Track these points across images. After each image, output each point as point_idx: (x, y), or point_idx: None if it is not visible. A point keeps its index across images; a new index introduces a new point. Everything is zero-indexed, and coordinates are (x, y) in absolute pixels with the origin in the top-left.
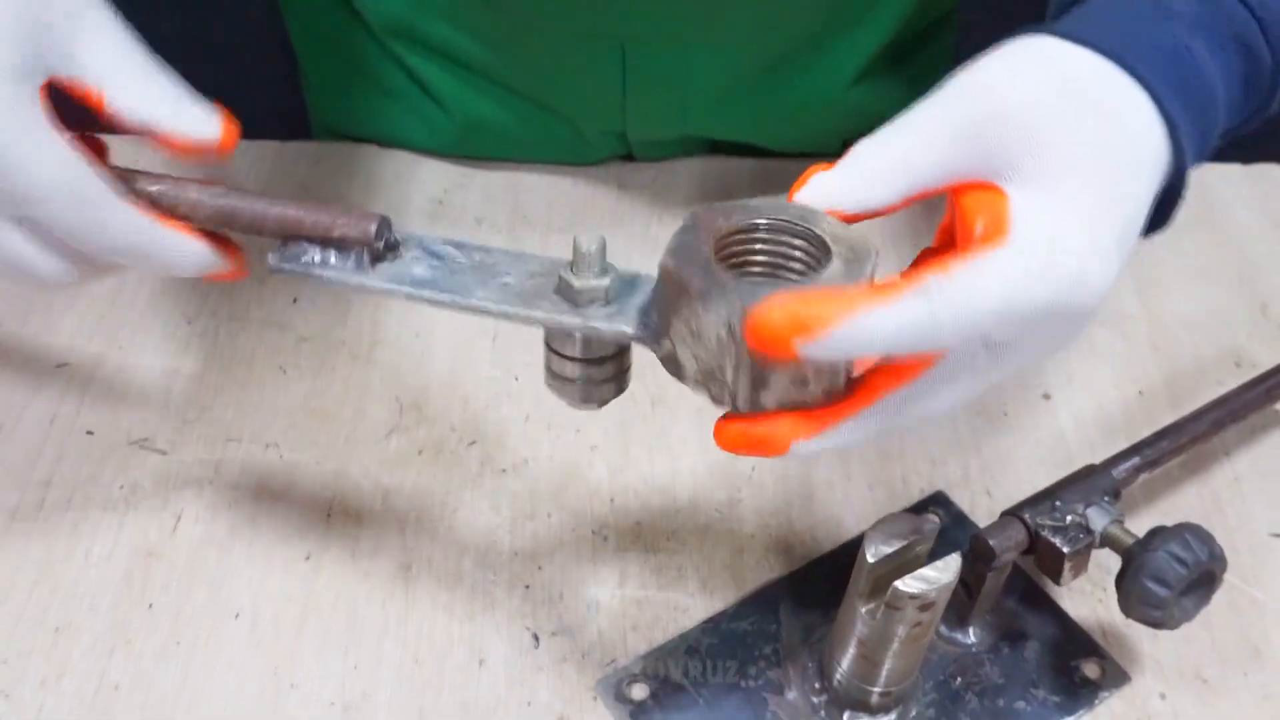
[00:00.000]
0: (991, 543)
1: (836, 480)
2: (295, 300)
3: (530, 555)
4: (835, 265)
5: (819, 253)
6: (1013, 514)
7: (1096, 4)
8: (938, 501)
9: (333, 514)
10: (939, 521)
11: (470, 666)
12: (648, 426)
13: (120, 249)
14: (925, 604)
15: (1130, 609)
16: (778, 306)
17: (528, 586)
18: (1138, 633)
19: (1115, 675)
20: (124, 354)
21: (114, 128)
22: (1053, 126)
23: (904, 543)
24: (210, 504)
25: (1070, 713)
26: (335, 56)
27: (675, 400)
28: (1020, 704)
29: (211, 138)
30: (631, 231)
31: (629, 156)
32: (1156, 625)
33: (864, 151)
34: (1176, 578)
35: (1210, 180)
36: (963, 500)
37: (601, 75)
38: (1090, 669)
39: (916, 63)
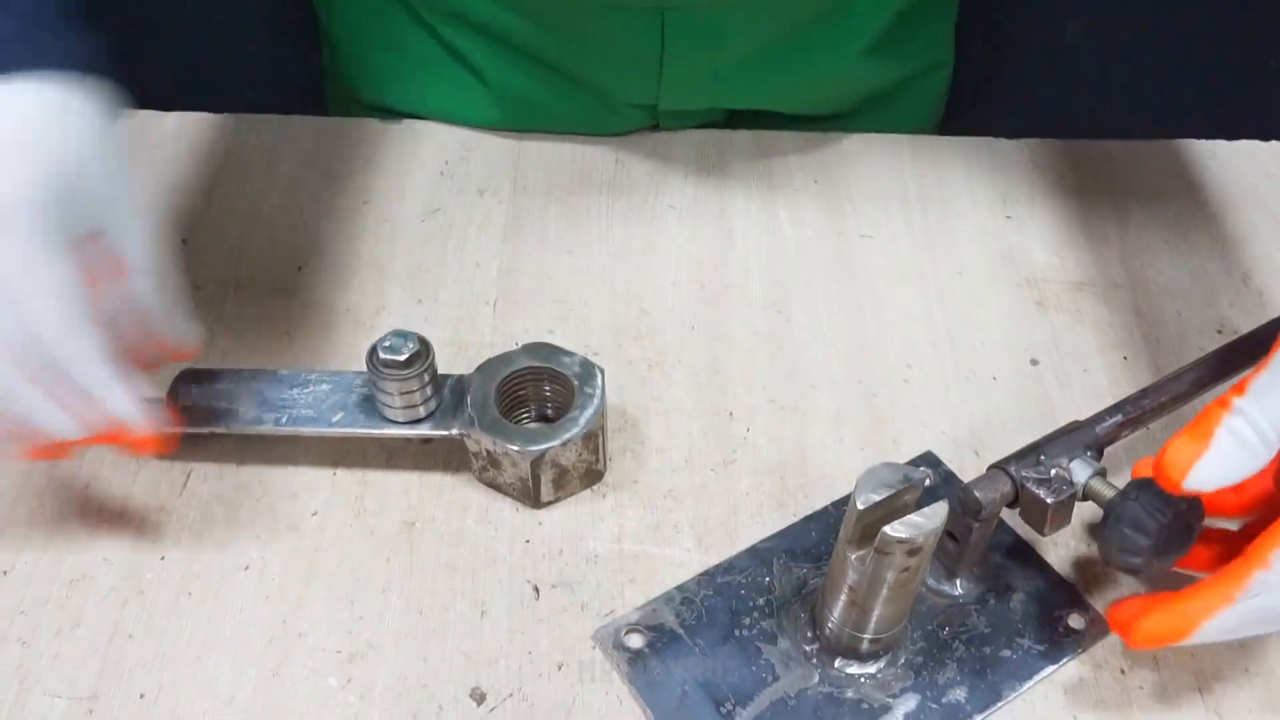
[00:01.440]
0: (978, 494)
1: (829, 442)
2: (300, 269)
3: (530, 513)
4: None
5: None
6: (999, 467)
7: None
8: (927, 461)
9: (338, 473)
10: (925, 474)
11: (472, 617)
12: (645, 390)
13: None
14: (913, 549)
15: (1110, 556)
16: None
17: (528, 541)
18: (1121, 585)
19: (1099, 626)
20: None
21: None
22: None
23: (892, 491)
24: (218, 462)
25: (1054, 661)
26: (366, 27)
27: (671, 365)
28: (1005, 653)
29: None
30: (630, 202)
31: (654, 128)
32: (1135, 572)
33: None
34: (1154, 526)
35: (1197, 155)
36: (951, 460)
37: (640, 45)
38: (1075, 620)
39: (924, 31)
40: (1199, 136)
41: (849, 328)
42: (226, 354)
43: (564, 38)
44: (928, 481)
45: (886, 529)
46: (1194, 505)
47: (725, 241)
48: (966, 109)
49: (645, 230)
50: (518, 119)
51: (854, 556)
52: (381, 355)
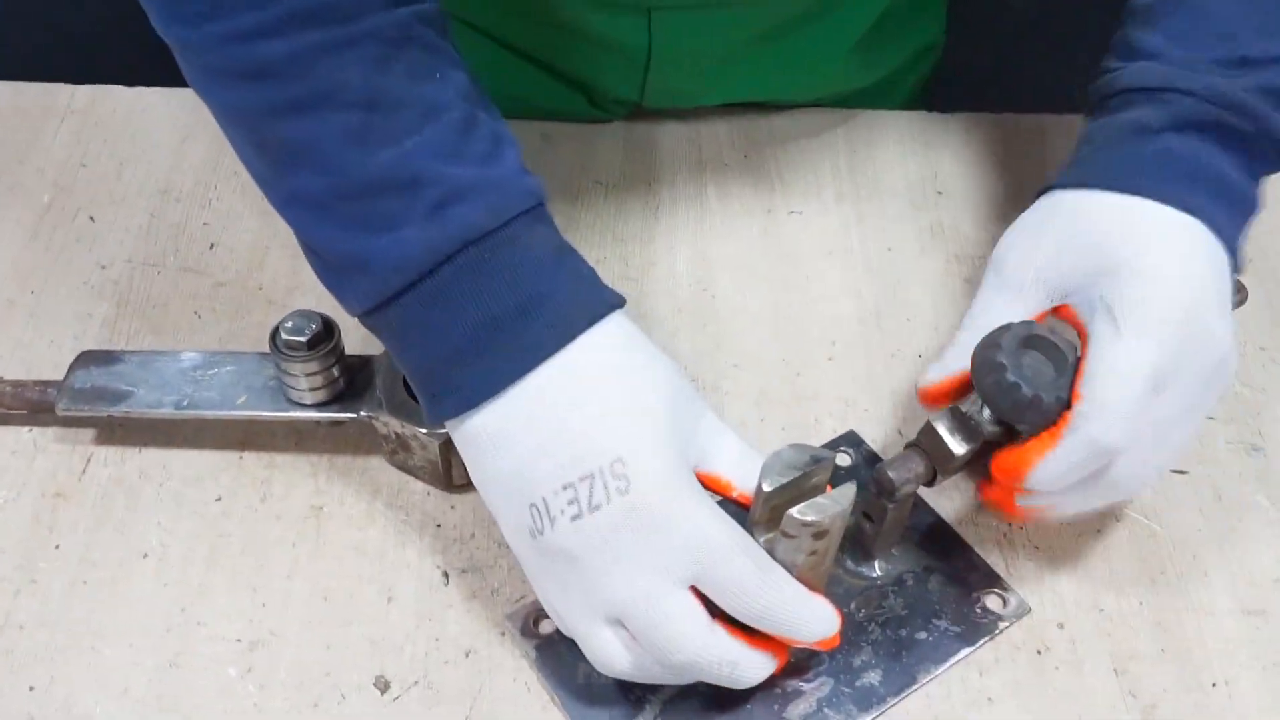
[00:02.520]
0: (891, 475)
1: (750, 421)
2: (213, 246)
3: (443, 496)
4: None
5: None
6: (914, 446)
7: (1105, 153)
8: (849, 440)
9: (245, 456)
10: (834, 455)
11: (379, 603)
12: None
13: (777, 607)
14: (819, 531)
15: (982, 390)
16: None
17: (439, 525)
18: (1040, 566)
19: (1016, 606)
20: (36, 299)
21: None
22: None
23: (799, 473)
24: (120, 446)
25: (970, 642)
26: None
27: None
28: (922, 634)
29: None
30: (556, 179)
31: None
32: (1011, 394)
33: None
34: (1006, 338)
35: None
36: (875, 439)
37: (627, 43)
38: (992, 601)
39: (914, 22)
40: None
41: (774, 305)
42: (132, 335)
43: (551, 35)
44: (849, 461)
45: (791, 511)
46: (1055, 329)
47: (652, 218)
48: (950, 87)
49: (569, 207)
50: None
51: (762, 539)
52: (284, 337)
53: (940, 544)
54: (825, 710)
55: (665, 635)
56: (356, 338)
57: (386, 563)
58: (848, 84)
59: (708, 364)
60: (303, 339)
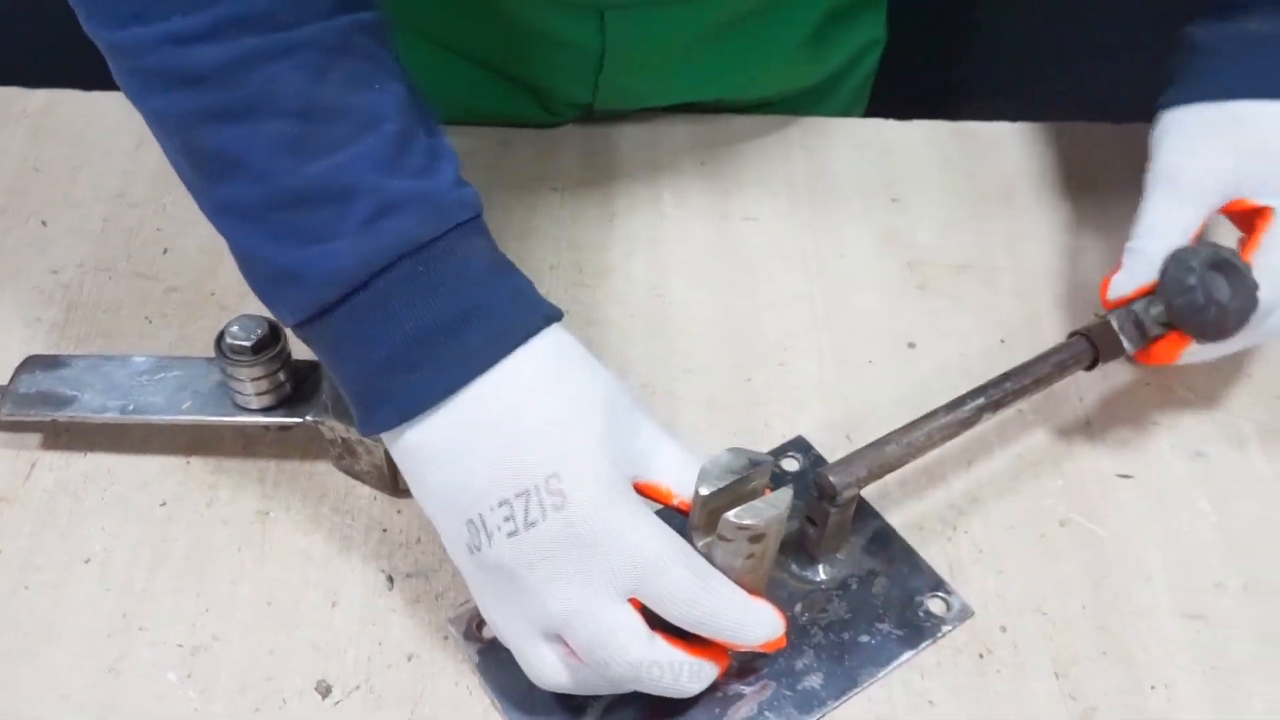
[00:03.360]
0: (832, 479)
1: (701, 426)
2: (166, 251)
3: (390, 501)
4: None
5: None
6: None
7: (1247, 61)
8: (798, 446)
9: (192, 461)
10: (772, 459)
11: (323, 607)
12: None
13: (718, 613)
14: (755, 535)
15: (1172, 306)
16: None
17: (385, 530)
18: (984, 570)
19: (959, 610)
20: None
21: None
22: None
23: (736, 477)
24: (66, 452)
25: (913, 645)
26: None
27: None
28: (864, 637)
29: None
30: (512, 186)
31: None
32: (1202, 314)
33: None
34: (1197, 261)
35: (1081, 139)
36: (824, 445)
37: (580, 45)
38: (935, 604)
39: (860, 18)
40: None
41: (727, 310)
42: (83, 340)
43: (503, 38)
44: (797, 466)
45: (727, 515)
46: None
47: (607, 223)
48: (899, 87)
49: (526, 214)
50: (450, 113)
51: (700, 543)
52: (229, 341)
53: (885, 548)
54: (766, 713)
55: (604, 649)
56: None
57: (331, 567)
58: (796, 81)
59: (660, 369)
60: (248, 344)
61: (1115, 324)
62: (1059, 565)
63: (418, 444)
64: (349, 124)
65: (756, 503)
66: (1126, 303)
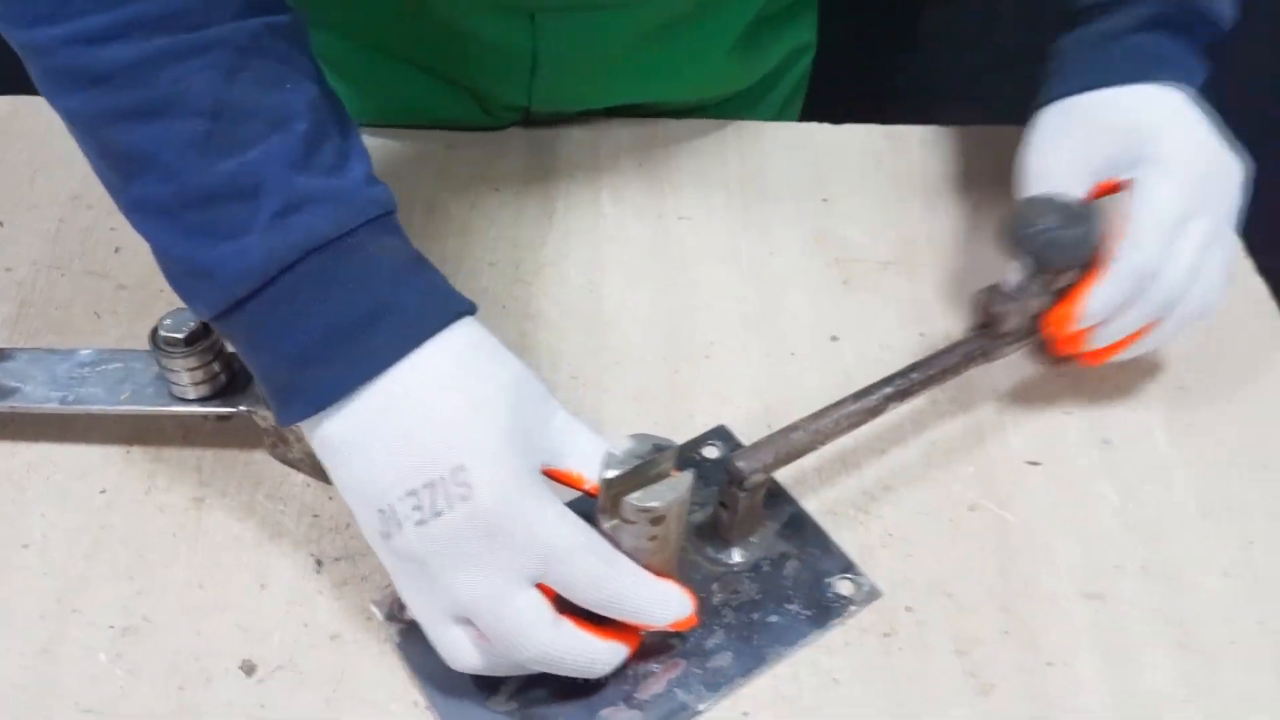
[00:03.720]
0: (740, 464)
1: (627, 416)
2: (117, 250)
3: (322, 487)
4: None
5: None
6: (766, 440)
7: (1093, 57)
8: (719, 435)
9: (132, 450)
10: (677, 445)
11: (252, 590)
12: None
13: (623, 595)
14: (656, 518)
15: (1012, 244)
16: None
17: (316, 515)
18: (894, 553)
19: (868, 591)
20: None
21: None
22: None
23: (640, 461)
24: (10, 441)
25: (821, 625)
26: None
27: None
28: (774, 618)
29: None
30: (455, 187)
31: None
32: (1036, 239)
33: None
34: (1022, 204)
35: (1006, 141)
36: (746, 435)
37: (513, 47)
38: (843, 585)
39: (790, 23)
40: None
41: (658, 306)
42: (33, 334)
43: (441, 42)
44: (716, 454)
45: (627, 498)
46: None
47: (546, 223)
48: (834, 91)
49: (467, 213)
50: (390, 115)
51: (607, 526)
52: (162, 334)
53: (799, 532)
54: (675, 690)
55: (513, 633)
56: None
57: (262, 552)
58: (729, 84)
59: (591, 362)
60: (180, 336)
61: (983, 300)
62: (966, 549)
63: (331, 436)
64: (258, 123)
65: (657, 485)
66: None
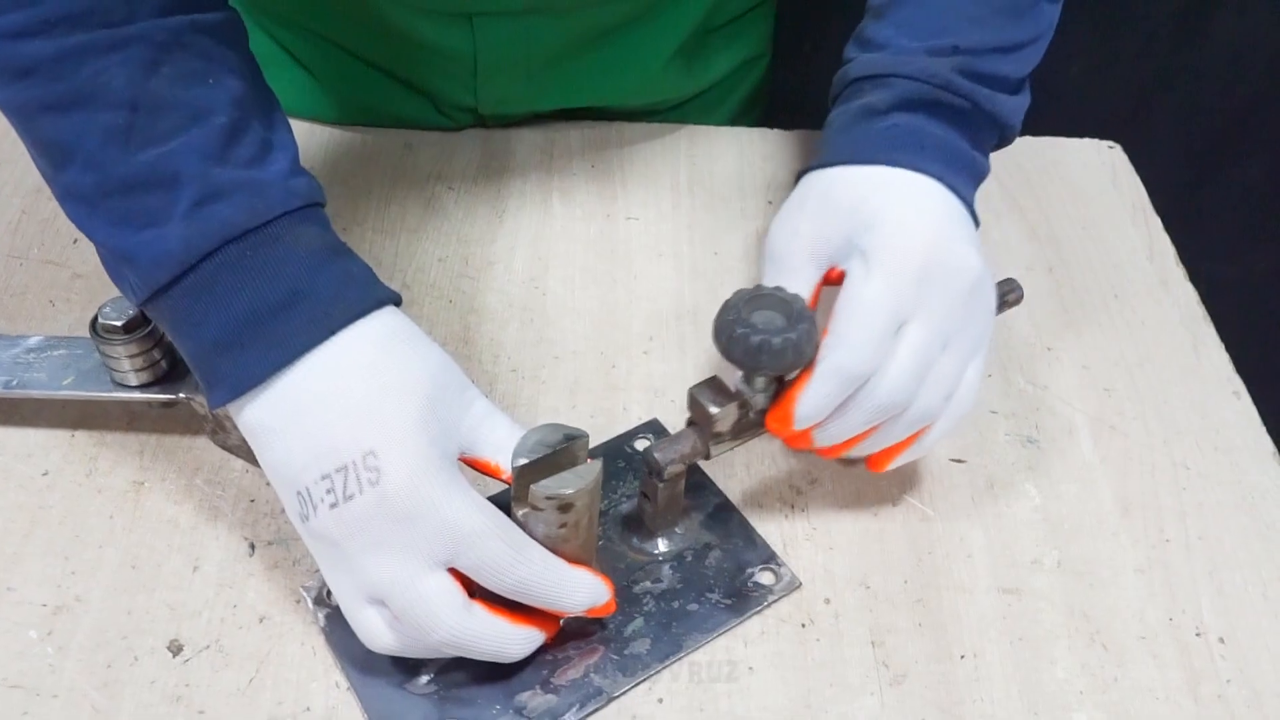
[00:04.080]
0: (657, 455)
1: (562, 409)
2: (76, 241)
3: (259, 473)
4: None
5: None
6: (690, 424)
7: (846, 134)
8: (651, 428)
9: (77, 435)
10: (587, 434)
11: (184, 572)
12: None
13: (532, 581)
14: (563, 505)
15: (721, 347)
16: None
17: (253, 501)
18: (816, 546)
19: (787, 582)
20: None
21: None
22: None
23: (550, 450)
24: None
25: (739, 614)
26: None
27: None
28: (693, 606)
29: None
30: (410, 184)
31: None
32: (742, 343)
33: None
34: (734, 299)
35: None
36: (679, 428)
37: (453, 49)
38: (764, 576)
39: (738, 34)
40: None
41: (600, 301)
42: None
43: (389, 43)
44: (646, 445)
45: (534, 486)
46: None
47: (496, 221)
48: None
49: (420, 210)
50: (355, 114)
51: (519, 514)
52: (101, 321)
53: (724, 524)
54: (592, 676)
55: (422, 616)
56: None
57: (197, 534)
58: (674, 91)
59: (529, 355)
60: (118, 323)
61: (700, 394)
62: (887, 543)
63: (252, 421)
64: (177, 116)
65: (565, 474)
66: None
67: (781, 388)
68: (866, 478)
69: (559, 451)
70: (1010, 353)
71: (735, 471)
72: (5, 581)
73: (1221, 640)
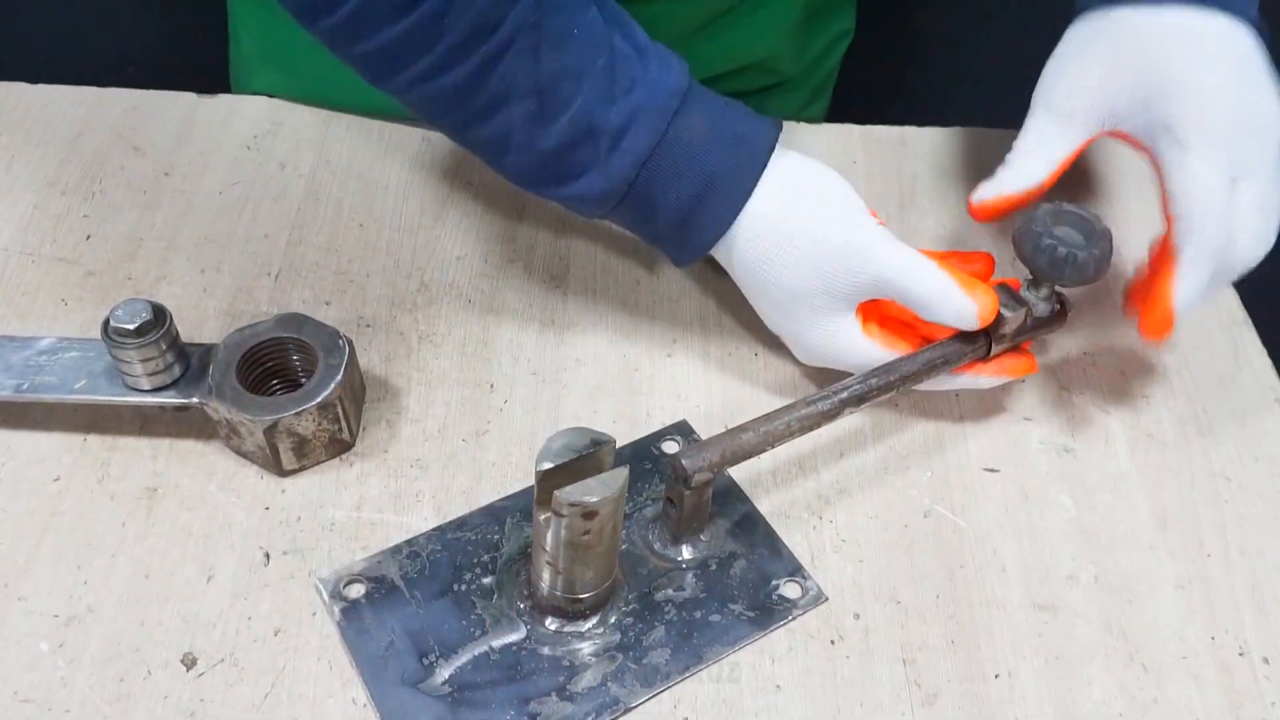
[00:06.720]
0: (684, 462)
1: (583, 413)
2: (89, 237)
3: (275, 480)
4: None
5: None
6: (714, 439)
7: None
8: (680, 430)
9: (89, 439)
10: (614, 439)
11: (198, 582)
12: (411, 361)
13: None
14: (587, 512)
15: (1023, 254)
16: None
17: (267, 508)
18: (844, 558)
19: (813, 595)
20: None
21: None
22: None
23: (576, 455)
24: None
25: (762, 627)
26: (234, 14)
27: (441, 337)
28: (715, 617)
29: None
30: (429, 179)
31: None
32: (1049, 253)
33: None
34: (1040, 212)
35: (986, 143)
36: (705, 432)
37: None
38: (790, 589)
39: (836, 13)
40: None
41: (622, 302)
42: None
43: None
44: (676, 449)
45: (558, 492)
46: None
47: (516, 217)
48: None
49: (439, 206)
50: (380, 107)
51: (541, 519)
52: (113, 324)
53: (750, 533)
54: (609, 684)
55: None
56: (220, 325)
57: (211, 543)
58: (779, 71)
59: (550, 358)
60: (130, 327)
61: (1001, 300)
62: (917, 555)
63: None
64: (569, 82)
65: (590, 481)
66: (995, 215)
67: (1058, 298)
68: (895, 485)
69: (584, 457)
70: (1045, 358)
71: (761, 478)
72: (17, 591)
73: (1266, 660)
